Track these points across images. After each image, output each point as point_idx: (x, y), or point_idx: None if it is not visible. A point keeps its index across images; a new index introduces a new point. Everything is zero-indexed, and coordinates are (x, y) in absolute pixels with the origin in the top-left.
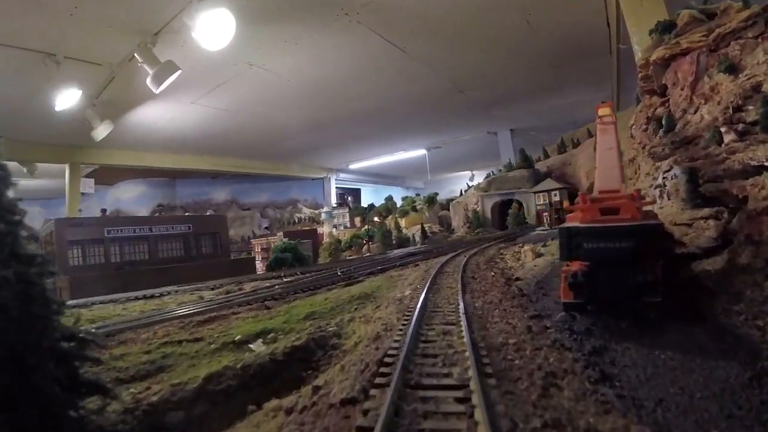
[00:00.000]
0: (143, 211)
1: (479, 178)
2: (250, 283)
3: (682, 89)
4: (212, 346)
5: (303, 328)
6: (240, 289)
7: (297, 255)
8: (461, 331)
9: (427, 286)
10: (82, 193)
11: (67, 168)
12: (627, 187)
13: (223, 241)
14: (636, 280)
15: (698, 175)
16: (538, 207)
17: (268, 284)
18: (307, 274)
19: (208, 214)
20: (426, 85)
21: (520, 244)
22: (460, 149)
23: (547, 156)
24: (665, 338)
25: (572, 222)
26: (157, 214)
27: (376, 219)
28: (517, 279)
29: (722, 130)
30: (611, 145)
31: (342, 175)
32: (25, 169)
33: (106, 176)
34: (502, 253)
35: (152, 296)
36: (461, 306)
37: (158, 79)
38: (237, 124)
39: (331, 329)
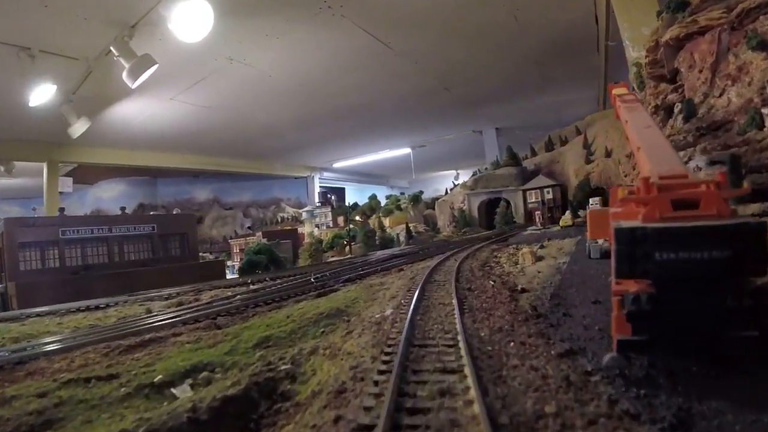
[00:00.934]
0: (125, 211)
1: (464, 177)
2: (211, 292)
3: (701, 71)
4: (123, 390)
5: (249, 362)
6: (196, 299)
7: (272, 257)
8: (467, 388)
9: (413, 302)
10: (61, 192)
11: (44, 166)
12: (623, 184)
13: (191, 242)
14: (726, 307)
15: (741, 163)
16: (530, 205)
17: (230, 293)
18: (278, 281)
19: (174, 212)
20: (411, 81)
21: (514, 246)
22: (445, 148)
23: (534, 153)
24: None
25: (628, 220)
26: (120, 214)
27: (358, 218)
28: (524, 290)
29: (764, 112)
30: (647, 122)
31: (326, 174)
32: (2, 168)
33: (86, 175)
34: (496, 256)
35: (97, 307)
36: (462, 340)
37: (134, 74)
38: (218, 121)
39: (284, 367)
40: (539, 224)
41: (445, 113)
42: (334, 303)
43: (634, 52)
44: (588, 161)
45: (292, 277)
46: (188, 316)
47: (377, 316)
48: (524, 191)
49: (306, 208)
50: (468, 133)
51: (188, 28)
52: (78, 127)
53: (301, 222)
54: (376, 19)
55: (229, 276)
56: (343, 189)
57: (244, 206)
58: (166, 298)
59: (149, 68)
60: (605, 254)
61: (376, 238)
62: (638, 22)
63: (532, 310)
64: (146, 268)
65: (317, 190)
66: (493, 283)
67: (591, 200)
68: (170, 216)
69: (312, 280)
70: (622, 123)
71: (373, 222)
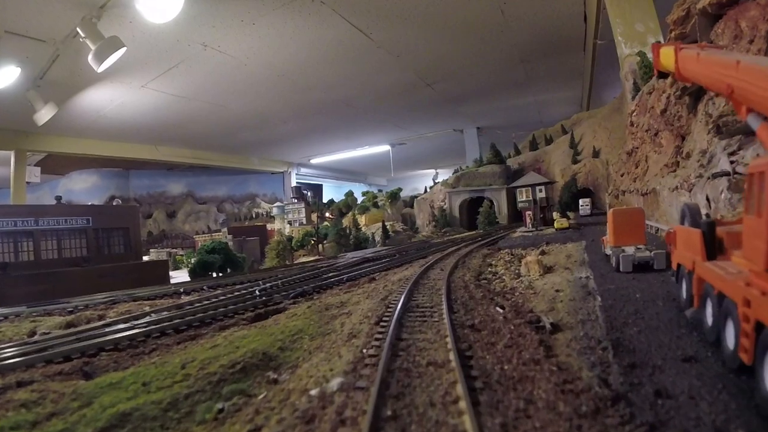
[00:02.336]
0: (95, 203)
1: (444, 176)
2: (127, 305)
3: (751, 42)
4: None
5: None
6: (100, 317)
7: (229, 257)
8: None
9: (382, 361)
10: (28, 183)
11: (12, 155)
12: (621, 185)
13: (134, 238)
14: None
15: None
16: (520, 204)
17: (148, 307)
18: (219, 290)
19: (114, 204)
20: (392, 76)
21: (508, 250)
22: (425, 146)
23: (518, 152)
24: None
25: None
26: (55, 203)
27: (329, 215)
28: (555, 328)
29: None
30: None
31: (303, 170)
32: None
33: (57, 165)
34: (490, 264)
35: None
36: None
37: (100, 56)
38: (192, 112)
39: None
40: (530, 225)
41: (426, 110)
42: (265, 339)
43: (627, 49)
44: (575, 161)
45: (238, 286)
46: (57, 351)
47: (320, 378)
48: (514, 189)
49: (276, 204)
50: (449, 131)
51: (156, 8)
52: (44, 114)
53: (272, 218)
54: (356, 7)
55: (178, 278)
56: (321, 186)
57: (218, 201)
58: (70, 312)
59: (116, 51)
60: (640, 266)
61: (350, 237)
62: (632, 18)
63: (601, 386)
64: (77, 269)
65: (294, 185)
66: (501, 310)
67: (582, 201)
68: (109, 208)
69: (257, 293)
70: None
71: (348, 220)
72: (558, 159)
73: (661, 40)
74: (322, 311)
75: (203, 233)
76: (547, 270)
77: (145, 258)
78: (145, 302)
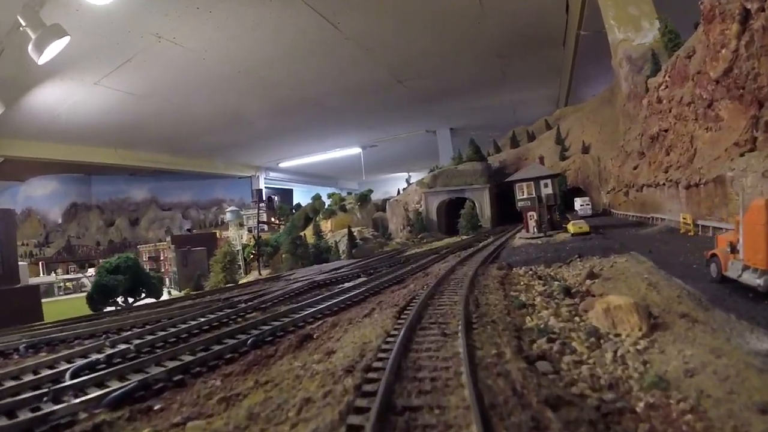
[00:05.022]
0: (56, 210)
1: (417, 179)
2: None
3: None
4: None
5: None
6: None
7: (139, 278)
8: None
9: None
10: None
11: None
12: (636, 178)
13: (6, 254)
14: None
15: None
16: (521, 203)
17: None
18: (39, 349)
19: None
20: (362, 72)
21: (525, 269)
22: (397, 148)
23: (498, 150)
24: None
25: None
26: None
27: (274, 219)
28: None
29: None
30: None
31: (272, 174)
32: None
33: (15, 170)
34: (516, 299)
35: None
36: None
37: (41, 46)
38: (150, 112)
39: None
40: (535, 230)
41: (398, 110)
42: None
43: (621, 34)
44: (563, 157)
45: (72, 334)
46: None
47: None
48: (512, 184)
49: (230, 208)
50: (421, 132)
51: None
52: None
53: (226, 224)
54: None
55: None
56: (291, 190)
57: (183, 207)
58: None
59: (59, 40)
60: None
61: (309, 247)
62: (625, 1)
63: None
64: None
65: (263, 190)
66: None
67: (579, 201)
68: None
69: (100, 359)
70: None
71: (307, 230)
72: (544, 156)
73: (657, 23)
74: None
75: (159, 242)
76: (654, 325)
77: (36, 280)
78: None
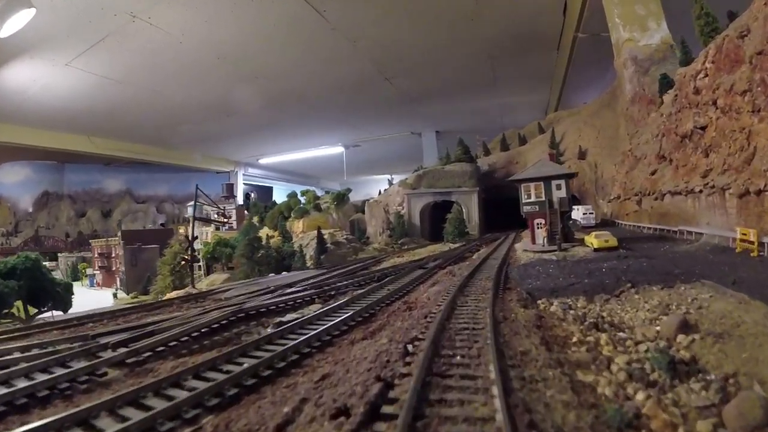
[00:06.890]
0: (27, 198)
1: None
2: None
3: None
4: None
5: None
6: None
7: (38, 284)
8: None
9: None
10: None
11: None
12: (656, 185)
13: None
14: None
15: None
16: (526, 208)
17: None
18: None
19: None
20: (347, 65)
21: (558, 304)
22: (380, 149)
23: (488, 152)
24: None
25: None
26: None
27: (216, 216)
28: None
29: None
30: None
31: (252, 170)
32: None
33: None
34: (585, 382)
35: None
36: None
37: (4, 16)
38: (125, 98)
39: None
40: (545, 242)
41: (383, 109)
42: None
43: (626, 33)
44: (557, 162)
45: None
46: None
47: None
48: (517, 183)
49: (190, 203)
50: (406, 134)
51: None
52: None
53: (186, 220)
54: None
55: None
56: (271, 188)
57: (158, 201)
58: None
59: (22, 11)
60: None
61: (270, 250)
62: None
63: None
64: None
65: (241, 186)
66: None
67: (582, 209)
68: None
69: None
70: None
71: (280, 230)
72: (535, 160)
73: (664, 24)
74: None
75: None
76: None
77: None
78: None
